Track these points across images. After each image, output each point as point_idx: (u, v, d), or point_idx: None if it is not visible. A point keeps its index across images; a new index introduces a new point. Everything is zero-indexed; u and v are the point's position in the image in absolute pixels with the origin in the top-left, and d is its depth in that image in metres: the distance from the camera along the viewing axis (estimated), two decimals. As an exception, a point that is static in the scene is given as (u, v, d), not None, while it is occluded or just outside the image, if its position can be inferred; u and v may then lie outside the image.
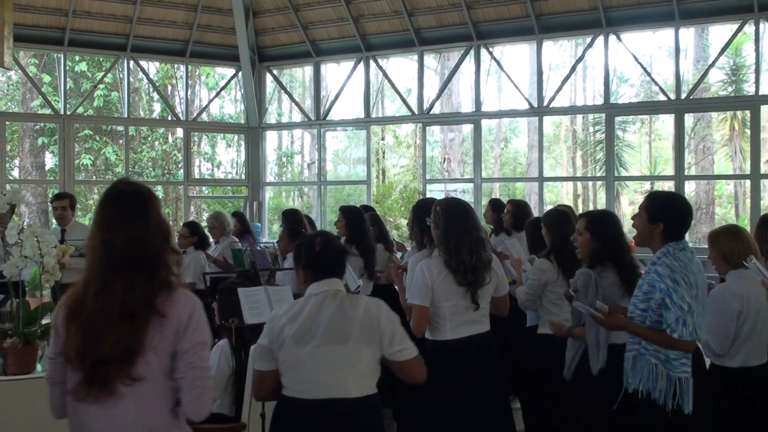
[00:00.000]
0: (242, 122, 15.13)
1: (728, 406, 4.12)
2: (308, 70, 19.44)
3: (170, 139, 19.41)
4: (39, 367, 4.56)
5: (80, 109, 14.18)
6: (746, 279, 4.26)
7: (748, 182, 18.02)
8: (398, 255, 7.40)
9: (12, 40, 9.01)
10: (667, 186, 19.58)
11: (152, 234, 2.55)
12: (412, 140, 23.64)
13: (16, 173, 17.30)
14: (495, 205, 8.04)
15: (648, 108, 14.98)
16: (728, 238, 4.37)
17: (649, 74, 12.33)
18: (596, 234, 4.41)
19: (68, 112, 13.12)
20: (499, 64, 12.96)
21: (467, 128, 19.68)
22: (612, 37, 11.61)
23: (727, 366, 4.24)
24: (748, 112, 12.38)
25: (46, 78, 16.65)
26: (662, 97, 12.09)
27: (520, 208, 7.53)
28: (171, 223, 19.14)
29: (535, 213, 13.17)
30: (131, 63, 13.43)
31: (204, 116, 15.48)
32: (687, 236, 3.79)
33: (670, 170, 20.43)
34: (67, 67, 13.29)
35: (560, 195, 21.02)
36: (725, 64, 17.42)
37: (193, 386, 2.49)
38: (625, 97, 20.28)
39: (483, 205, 11.19)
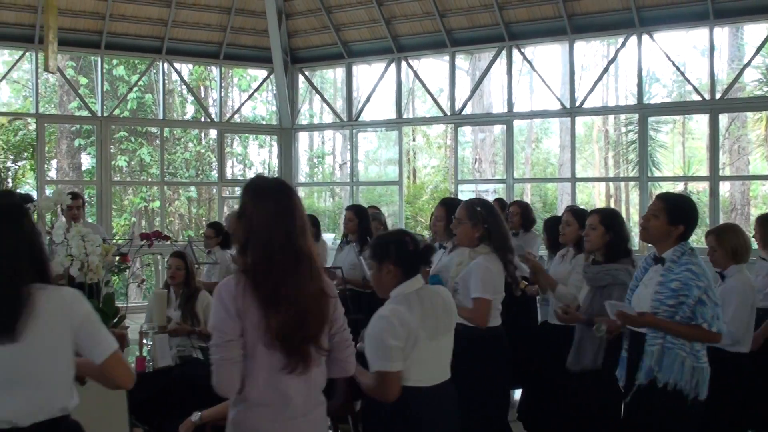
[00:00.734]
0: (274, 123, 15.27)
1: (743, 389, 4.47)
2: (339, 71, 19.58)
3: (203, 141, 19.62)
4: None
5: (116, 111, 14.41)
6: (744, 273, 4.70)
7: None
8: None
9: (56, 44, 9.19)
10: (702, 186, 19.48)
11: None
12: (443, 141, 23.66)
13: (53, 174, 17.59)
14: (501, 204, 8.15)
15: (682, 108, 14.85)
16: (734, 235, 4.73)
17: (682, 74, 12.23)
18: (610, 228, 4.71)
19: (105, 114, 13.34)
20: (531, 64, 12.93)
21: (498, 128, 19.67)
22: (645, 37, 11.54)
23: (742, 352, 4.58)
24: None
25: (83, 80, 16.92)
26: (695, 97, 12.01)
27: (526, 209, 7.79)
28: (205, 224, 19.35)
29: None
30: (166, 65, 13.63)
31: (236, 117, 15.63)
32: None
33: (703, 170, 20.33)
34: (104, 70, 13.47)
35: (592, 196, 20.93)
36: (761, 63, 17.20)
37: (349, 344, 2.99)
38: (658, 98, 20.12)
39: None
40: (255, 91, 15.80)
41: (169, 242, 5.71)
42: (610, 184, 21.90)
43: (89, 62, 16.65)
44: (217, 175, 14.67)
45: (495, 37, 12.54)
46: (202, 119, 18.24)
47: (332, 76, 21.28)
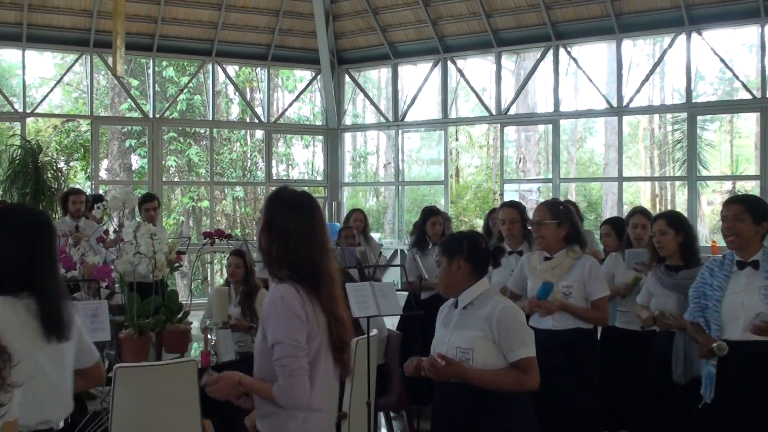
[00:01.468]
0: (319, 124, 15.45)
1: None
2: (384, 71, 19.69)
3: (249, 141, 19.87)
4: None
5: (166, 113, 14.72)
6: None
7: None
8: None
9: (123, 49, 9.44)
10: (750, 185, 19.22)
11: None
12: (485, 140, 23.64)
13: (103, 174, 17.97)
14: None
15: (731, 107, 14.68)
16: None
17: (733, 72, 12.13)
18: (681, 230, 4.59)
19: (156, 116, 13.63)
20: (577, 64, 12.91)
21: (542, 128, 19.63)
22: (694, 35, 11.47)
23: None
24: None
25: (134, 82, 17.27)
26: (743, 95, 11.90)
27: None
28: (253, 223, 19.59)
29: (614, 213, 13.13)
30: (215, 67, 13.89)
31: (282, 118, 15.85)
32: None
33: (751, 170, 20.06)
34: (155, 72, 13.79)
35: (638, 195, 20.75)
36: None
37: None
38: (704, 96, 19.89)
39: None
40: (302, 92, 15.99)
41: (229, 240, 5.85)
42: (655, 183, 21.71)
43: (140, 64, 16.99)
44: (263, 175, 14.90)
45: (541, 37, 12.57)
46: (247, 120, 18.51)
47: (376, 76, 21.40)
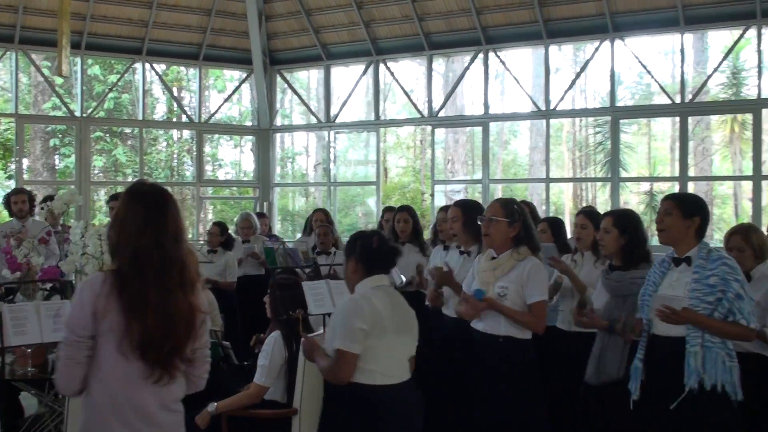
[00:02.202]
0: (248, 124, 15.41)
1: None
2: (313, 73, 19.73)
3: (177, 141, 19.64)
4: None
5: (93, 111, 14.44)
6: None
7: (746, 183, 18.46)
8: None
9: (69, 49, 9.27)
10: (666, 187, 20.01)
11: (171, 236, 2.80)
12: (412, 141, 23.94)
13: (25, 175, 17.48)
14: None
15: (653, 111, 15.25)
16: (756, 235, 4.65)
17: (654, 78, 12.64)
18: (625, 230, 4.52)
19: (84, 115, 13.36)
20: (507, 68, 13.23)
21: (468, 130, 20.02)
22: (617, 42, 11.91)
23: (762, 354, 4.49)
24: (748, 115, 12.74)
25: (58, 80, 16.85)
26: (659, 100, 12.39)
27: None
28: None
29: (540, 214, 13.50)
30: (146, 66, 13.70)
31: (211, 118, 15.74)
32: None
33: (667, 171, 20.92)
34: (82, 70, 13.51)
35: (560, 196, 21.36)
36: (725, 67, 17.80)
37: (206, 361, 2.96)
38: (623, 101, 20.61)
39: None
40: (234, 92, 15.91)
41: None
42: (578, 184, 22.39)
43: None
44: (192, 176, 14.77)
45: (472, 41, 12.82)
46: (174, 120, 18.34)
47: (304, 77, 21.43)
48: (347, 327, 3.47)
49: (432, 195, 13.85)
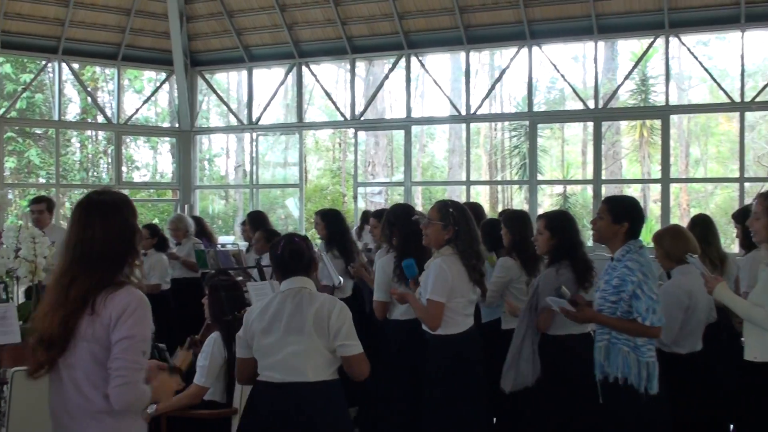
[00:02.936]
0: (167, 125, 15.23)
1: (680, 387, 4.48)
2: (233, 75, 19.62)
3: (92, 142, 19.20)
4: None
5: (4, 111, 14.01)
6: (690, 275, 4.69)
7: (654, 186, 19.30)
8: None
9: None
10: (578, 189, 20.69)
11: (111, 236, 2.82)
12: (331, 144, 24.07)
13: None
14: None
15: (569, 116, 15.82)
16: (671, 238, 4.84)
17: (571, 85, 13.12)
18: (555, 232, 4.75)
19: (-3, 115, 12.98)
20: (428, 73, 13.48)
21: (388, 133, 20.24)
22: (534, 49, 12.30)
23: (677, 352, 4.64)
24: (657, 121, 13.36)
25: (-34, 79, 16.31)
26: (574, 105, 12.85)
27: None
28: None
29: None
30: (62, 66, 13.37)
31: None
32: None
33: (579, 174, 21.66)
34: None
35: (477, 198, 21.80)
36: (634, 74, 18.58)
37: (114, 375, 2.69)
38: (537, 106, 21.22)
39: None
40: (154, 93, 15.68)
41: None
42: (494, 187, 22.93)
43: (-27, 61, 16.06)
44: (109, 177, 14.51)
45: (394, 45, 13.02)
46: (90, 120, 17.93)
47: (223, 79, 21.27)
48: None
49: (355, 197, 13.98)
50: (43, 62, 13.66)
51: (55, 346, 2.74)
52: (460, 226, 4.55)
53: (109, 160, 18.58)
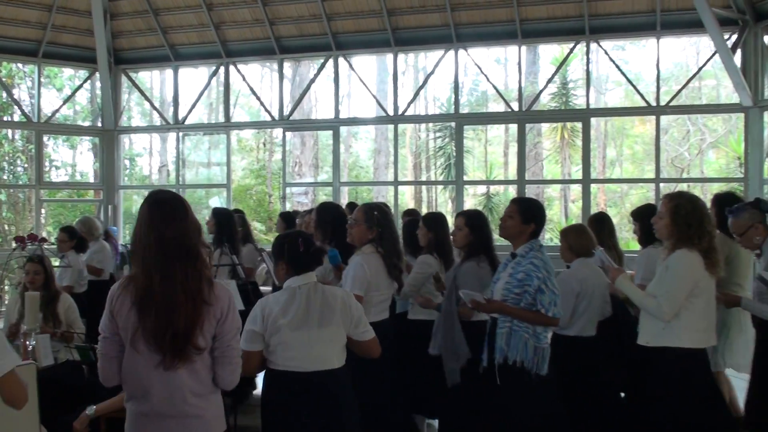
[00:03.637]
0: (89, 124, 14.94)
1: (566, 367, 4.97)
2: (155, 73, 19.34)
3: (8, 141, 18.62)
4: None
5: None
6: (587, 267, 5.27)
7: (575, 186, 19.88)
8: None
9: None
10: (501, 189, 21.15)
11: (192, 231, 3.01)
12: (255, 144, 23.93)
13: None
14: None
15: (494, 118, 16.18)
16: (575, 234, 5.40)
17: (496, 88, 13.42)
18: (474, 229, 5.25)
19: None
20: (357, 74, 13.59)
21: (314, 133, 20.28)
22: (461, 52, 12.57)
23: (565, 334, 5.17)
24: (578, 123, 13.81)
25: None
26: (497, 108, 13.17)
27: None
28: (14, 228, 18.41)
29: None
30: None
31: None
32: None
33: (501, 175, 22.14)
34: None
35: (402, 198, 22.06)
36: (555, 78, 19.12)
37: (230, 363, 3.07)
38: (460, 107, 21.60)
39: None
40: (76, 91, 15.34)
41: (41, 245, 5.68)
42: (418, 187, 23.21)
43: None
44: (29, 177, 14.14)
45: (323, 47, 13.09)
46: (7, 119, 17.42)
47: (147, 78, 20.94)
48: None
49: (283, 198, 13.98)
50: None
51: (187, 335, 2.92)
52: (383, 228, 5.01)
53: (27, 159, 18.10)
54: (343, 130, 20.84)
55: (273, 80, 19.16)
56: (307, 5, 12.72)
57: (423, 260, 5.76)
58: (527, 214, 4.53)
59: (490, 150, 23.56)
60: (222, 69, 13.71)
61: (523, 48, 12.72)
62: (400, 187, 13.67)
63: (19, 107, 14.80)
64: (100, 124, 14.45)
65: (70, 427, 4.81)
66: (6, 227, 19.03)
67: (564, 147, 20.34)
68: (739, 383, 6.10)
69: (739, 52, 11.13)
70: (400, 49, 12.93)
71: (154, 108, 15.09)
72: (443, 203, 22.79)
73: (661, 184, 12.12)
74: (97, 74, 13.89)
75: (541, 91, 13.56)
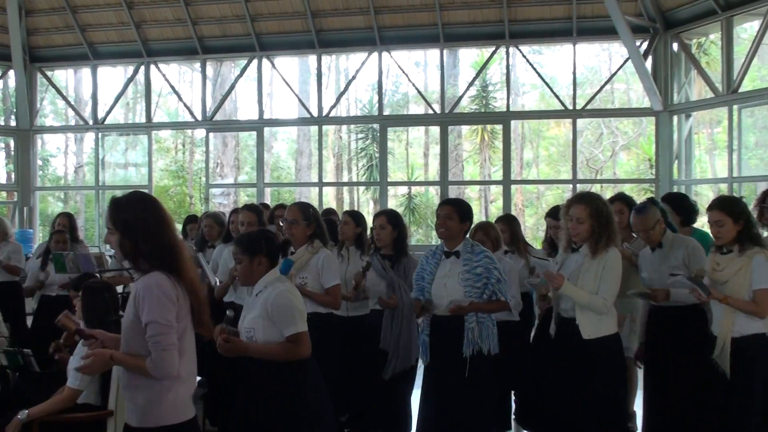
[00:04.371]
0: (2, 124, 14.49)
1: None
2: (71, 72, 18.85)
3: None
4: None
5: None
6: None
7: (493, 187, 20.33)
8: None
9: None
10: (422, 189, 21.45)
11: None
12: (173, 144, 23.59)
13: None
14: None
15: (418, 120, 16.44)
16: (493, 229, 5.75)
17: (419, 91, 13.64)
18: (396, 227, 5.52)
19: None
20: (281, 75, 13.59)
21: (235, 134, 20.14)
22: (384, 54, 12.73)
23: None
24: (498, 126, 14.17)
25: None
26: (417, 110, 13.36)
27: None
28: None
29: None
30: None
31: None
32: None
33: (422, 176, 22.44)
34: None
35: (327, 199, 22.11)
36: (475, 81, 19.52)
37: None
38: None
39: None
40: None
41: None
42: (342, 188, 23.32)
43: None
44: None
45: (246, 47, 13.05)
46: None
47: (63, 77, 20.38)
48: (299, 310, 3.89)
49: (207, 199, 13.87)
50: None
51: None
52: (318, 223, 5.22)
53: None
54: (266, 130, 20.81)
55: (194, 80, 18.97)
56: (231, 6, 12.66)
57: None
58: (464, 213, 4.75)
59: (411, 151, 23.83)
60: (143, 68, 13.51)
61: (445, 51, 12.96)
62: (324, 190, 13.74)
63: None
64: (13, 124, 14.04)
65: (1, 433, 4.74)
66: None
67: (484, 149, 20.78)
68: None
69: (650, 58, 11.65)
70: (324, 50, 13.01)
71: (72, 108, 14.70)
72: (365, 204, 22.95)
73: (578, 185, 12.55)
74: (11, 72, 13.50)
75: (463, 94, 13.86)
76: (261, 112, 13.51)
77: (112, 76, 14.96)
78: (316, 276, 5.09)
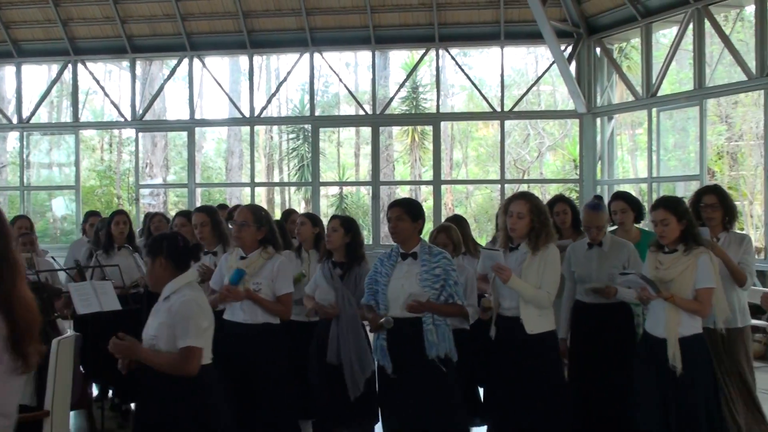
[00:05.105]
0: None
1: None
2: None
3: None
4: None
5: None
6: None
7: (423, 187, 20.62)
8: None
9: None
10: (354, 189, 21.60)
11: None
12: (99, 144, 23.18)
13: None
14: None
15: (349, 121, 16.59)
16: (455, 232, 5.67)
17: (350, 92, 13.78)
18: (348, 231, 5.29)
19: None
20: (212, 75, 13.55)
21: (164, 134, 19.92)
22: (316, 55, 12.83)
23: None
24: (428, 127, 14.42)
25: None
26: (347, 110, 13.52)
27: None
28: None
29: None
30: None
31: None
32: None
33: (353, 176, 22.61)
34: None
35: (258, 199, 22.05)
36: (406, 82, 19.77)
37: None
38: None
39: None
40: None
41: None
42: (273, 188, 23.29)
43: None
44: None
45: (176, 47, 12.98)
46: None
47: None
48: (197, 324, 3.71)
49: (137, 200, 13.72)
50: None
51: None
52: (270, 227, 4.99)
53: None
54: (197, 130, 20.65)
55: (122, 79, 18.72)
56: (161, 5, 12.57)
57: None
58: (414, 213, 4.67)
59: (342, 152, 23.96)
60: (70, 67, 13.29)
61: (376, 53, 13.13)
62: (258, 189, 13.75)
63: None
64: (-67, 123, 13.65)
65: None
66: None
67: (414, 149, 21.07)
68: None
69: (574, 62, 12.05)
70: (256, 51, 13.03)
71: (-3, 108, 14.35)
72: (296, 204, 22.97)
73: (506, 185, 12.88)
74: (-69, 70, 13.13)
75: (394, 95, 14.07)
76: (192, 112, 13.44)
77: (38, 74, 14.64)
78: (270, 282, 4.89)
